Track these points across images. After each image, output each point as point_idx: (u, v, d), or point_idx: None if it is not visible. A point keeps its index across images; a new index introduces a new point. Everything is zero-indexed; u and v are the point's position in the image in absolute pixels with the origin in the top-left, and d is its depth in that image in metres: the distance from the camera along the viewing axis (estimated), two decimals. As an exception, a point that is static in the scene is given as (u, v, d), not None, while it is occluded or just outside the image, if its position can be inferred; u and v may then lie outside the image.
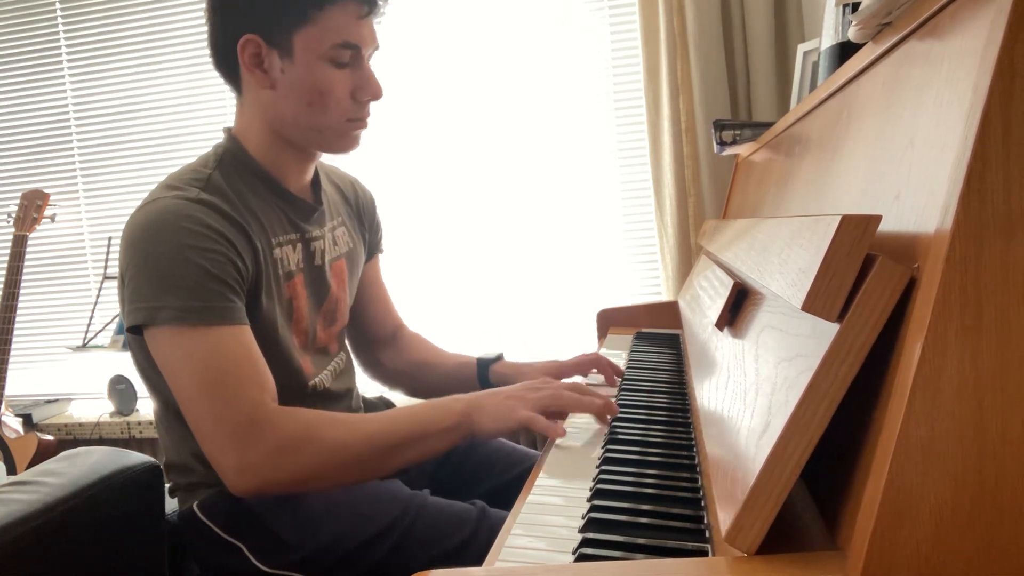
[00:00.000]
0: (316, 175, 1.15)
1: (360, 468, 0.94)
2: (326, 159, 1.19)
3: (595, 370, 1.22)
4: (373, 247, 1.31)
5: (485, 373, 1.28)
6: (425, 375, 1.34)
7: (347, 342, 1.33)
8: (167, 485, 1.08)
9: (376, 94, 1.03)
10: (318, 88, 0.99)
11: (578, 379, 1.23)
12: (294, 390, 1.06)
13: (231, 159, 1.04)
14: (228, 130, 1.07)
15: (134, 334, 0.97)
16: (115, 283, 2.35)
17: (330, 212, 1.17)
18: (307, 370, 1.09)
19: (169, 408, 1.03)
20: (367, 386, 1.33)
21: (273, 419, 0.91)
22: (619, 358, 1.31)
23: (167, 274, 0.91)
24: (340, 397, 1.17)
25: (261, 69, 0.99)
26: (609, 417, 0.93)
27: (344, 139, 1.05)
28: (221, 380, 0.91)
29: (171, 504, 1.09)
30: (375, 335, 1.35)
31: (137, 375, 1.05)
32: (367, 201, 1.29)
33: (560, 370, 1.21)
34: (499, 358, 1.29)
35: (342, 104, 1.01)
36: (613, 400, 0.97)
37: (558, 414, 0.96)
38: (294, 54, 0.98)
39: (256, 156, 1.05)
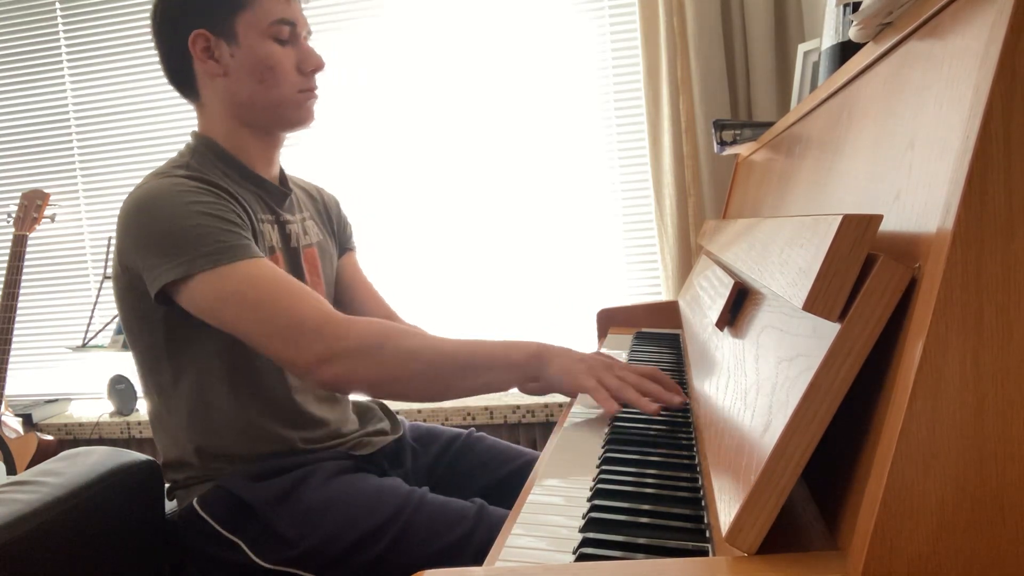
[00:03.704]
0: (282, 171, 1.22)
1: (429, 381, 0.97)
2: (291, 158, 1.22)
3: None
4: (344, 243, 1.36)
5: None
6: None
7: None
8: (165, 486, 1.08)
9: (318, 64, 1.13)
10: (266, 63, 1.09)
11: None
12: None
13: (203, 150, 1.11)
14: (193, 133, 1.14)
15: (162, 303, 0.98)
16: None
17: (299, 204, 1.24)
18: None
19: (167, 401, 1.04)
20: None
21: (351, 321, 0.97)
22: (619, 358, 1.31)
23: (184, 230, 0.96)
24: None
25: (213, 59, 1.09)
26: (610, 417, 0.93)
27: (300, 110, 1.13)
28: (285, 291, 0.96)
29: (170, 504, 1.10)
30: None
31: (142, 358, 1.05)
32: (332, 201, 1.37)
33: None
34: None
35: (290, 76, 1.11)
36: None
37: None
38: (238, 37, 1.08)
39: (224, 145, 1.12)
